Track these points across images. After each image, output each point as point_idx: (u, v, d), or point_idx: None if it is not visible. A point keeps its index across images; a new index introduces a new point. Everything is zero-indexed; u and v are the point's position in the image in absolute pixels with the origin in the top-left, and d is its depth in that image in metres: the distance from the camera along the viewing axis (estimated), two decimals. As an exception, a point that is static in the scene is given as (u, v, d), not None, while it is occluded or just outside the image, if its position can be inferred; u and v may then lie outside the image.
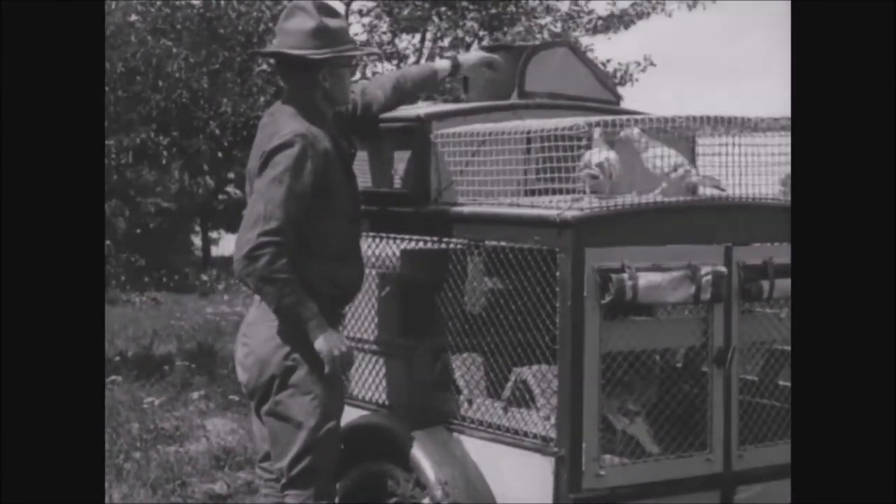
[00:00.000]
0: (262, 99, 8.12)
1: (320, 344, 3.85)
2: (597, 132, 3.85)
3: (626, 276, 3.70)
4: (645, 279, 3.73)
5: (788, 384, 4.28)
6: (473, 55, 4.54)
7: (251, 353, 3.98)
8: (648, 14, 9.72)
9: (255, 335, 3.98)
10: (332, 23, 3.99)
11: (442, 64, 4.40)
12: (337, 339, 3.90)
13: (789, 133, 3.99)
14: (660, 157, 3.96)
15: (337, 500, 4.38)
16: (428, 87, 4.48)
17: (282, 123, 3.93)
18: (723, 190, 4.02)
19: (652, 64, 9.35)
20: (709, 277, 3.82)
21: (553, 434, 3.79)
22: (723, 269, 3.87)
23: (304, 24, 3.97)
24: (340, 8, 8.73)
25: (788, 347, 4.33)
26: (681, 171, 4.00)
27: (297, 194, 3.82)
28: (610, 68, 9.13)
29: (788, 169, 4.00)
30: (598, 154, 3.83)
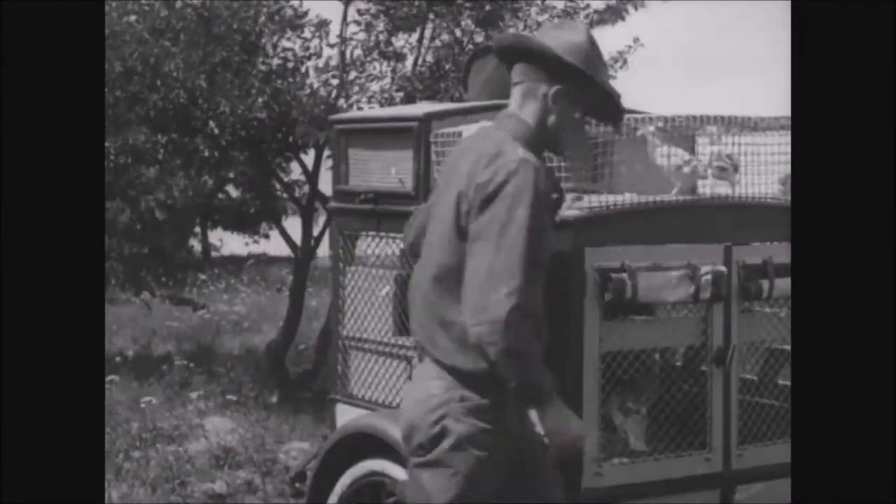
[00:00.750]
0: (260, 100, 8.08)
1: (551, 423, 3.23)
2: (714, 128, 3.88)
3: (625, 275, 3.71)
4: (644, 278, 3.73)
5: (788, 383, 4.28)
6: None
7: (403, 412, 3.49)
8: (643, 4, 9.70)
9: (411, 394, 3.48)
10: (600, 59, 3.48)
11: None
12: (577, 422, 3.32)
13: (789, 132, 4.00)
14: (672, 155, 3.98)
15: (336, 498, 4.38)
16: None
17: (499, 148, 3.31)
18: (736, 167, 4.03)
19: (640, 44, 9.33)
20: (708, 277, 3.83)
21: (553, 433, 3.78)
22: (722, 268, 3.87)
23: (574, 37, 3.42)
24: (338, 7, 8.72)
25: (788, 347, 4.33)
26: (687, 168, 4.03)
27: (533, 236, 3.20)
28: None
29: (788, 168, 4.02)
30: (726, 147, 3.88)
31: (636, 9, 9.65)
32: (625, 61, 9.27)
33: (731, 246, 3.94)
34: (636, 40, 9.34)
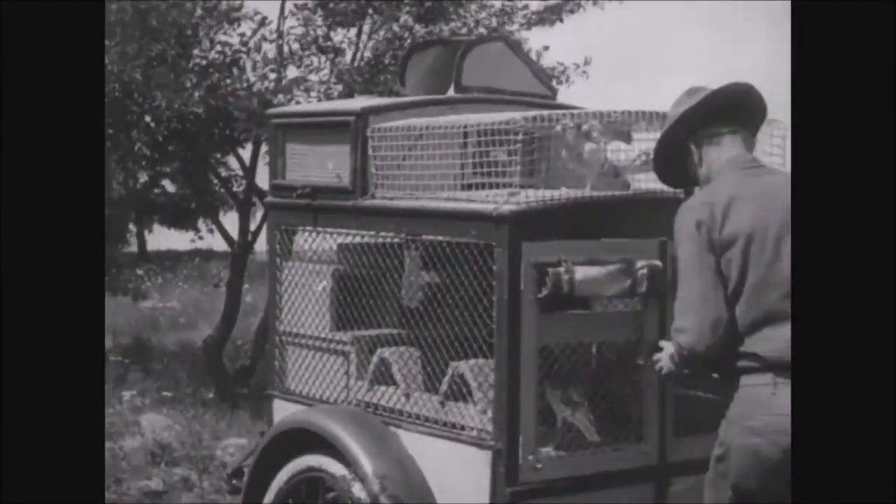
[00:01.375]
0: (196, 93, 8.03)
1: None
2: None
3: (562, 269, 3.72)
4: (581, 273, 3.75)
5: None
6: None
7: None
8: (580, 6, 9.76)
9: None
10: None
11: None
12: None
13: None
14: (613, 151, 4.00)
15: (273, 495, 4.37)
16: None
17: None
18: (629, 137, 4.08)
19: (587, 64, 9.40)
20: (644, 271, 3.85)
21: (490, 428, 3.80)
22: (658, 262, 3.90)
23: None
24: (276, 2, 8.67)
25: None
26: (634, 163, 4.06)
27: None
28: (546, 63, 9.17)
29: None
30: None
31: (573, 11, 9.70)
32: (567, 77, 9.32)
33: (666, 241, 3.97)
34: (587, 61, 9.40)
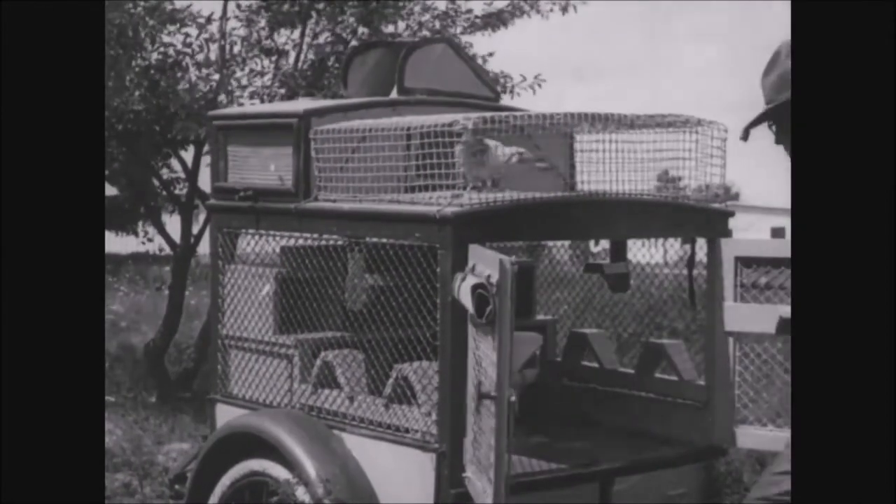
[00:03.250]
0: (136, 93, 7.95)
1: None
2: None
3: (459, 275, 3.67)
4: (466, 282, 3.66)
5: (665, 377, 4.36)
6: None
7: None
8: (525, 12, 9.78)
9: None
10: None
11: None
12: None
13: (664, 130, 4.07)
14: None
15: (216, 500, 4.34)
16: None
17: None
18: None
19: (539, 85, 9.39)
20: (480, 291, 3.52)
21: (434, 430, 3.80)
22: (493, 279, 3.36)
23: None
24: (219, 3, 8.61)
25: (664, 341, 4.41)
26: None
27: None
28: (491, 71, 9.16)
29: (664, 164, 4.08)
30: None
31: (518, 16, 9.70)
32: (512, 88, 9.34)
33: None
34: (536, 78, 9.40)
